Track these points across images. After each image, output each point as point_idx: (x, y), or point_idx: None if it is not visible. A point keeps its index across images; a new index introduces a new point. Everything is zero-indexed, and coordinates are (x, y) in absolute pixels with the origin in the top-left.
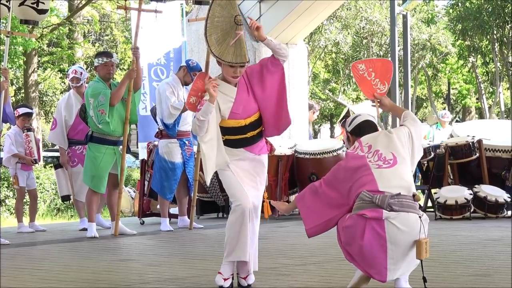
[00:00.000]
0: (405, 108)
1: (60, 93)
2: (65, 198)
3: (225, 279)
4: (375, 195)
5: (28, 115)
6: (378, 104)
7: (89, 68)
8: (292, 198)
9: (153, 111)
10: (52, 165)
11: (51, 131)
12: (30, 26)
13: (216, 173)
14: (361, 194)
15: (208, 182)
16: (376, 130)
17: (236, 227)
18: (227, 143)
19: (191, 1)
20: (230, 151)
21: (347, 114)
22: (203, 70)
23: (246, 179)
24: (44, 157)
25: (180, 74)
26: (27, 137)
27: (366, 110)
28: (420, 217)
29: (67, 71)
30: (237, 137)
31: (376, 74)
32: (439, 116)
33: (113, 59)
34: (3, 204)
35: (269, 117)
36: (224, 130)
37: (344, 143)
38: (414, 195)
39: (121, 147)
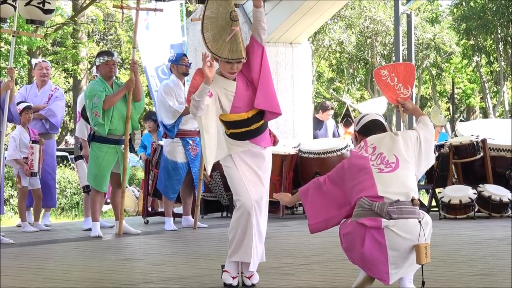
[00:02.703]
0: (424, 113)
1: (65, 92)
2: (87, 188)
3: (233, 277)
4: (374, 202)
5: (28, 108)
6: (402, 108)
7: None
8: None
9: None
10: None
11: (77, 123)
12: (35, 26)
13: (219, 172)
14: (360, 201)
15: (208, 172)
16: (384, 130)
17: (240, 227)
18: (232, 136)
19: (195, 0)
20: (235, 143)
21: (347, 112)
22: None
23: (251, 175)
24: None
25: (174, 72)
26: (31, 148)
27: (373, 108)
28: (419, 221)
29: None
30: (241, 130)
31: (399, 79)
32: None
33: (114, 58)
34: (8, 203)
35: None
36: (228, 124)
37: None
38: (412, 200)
39: (123, 146)
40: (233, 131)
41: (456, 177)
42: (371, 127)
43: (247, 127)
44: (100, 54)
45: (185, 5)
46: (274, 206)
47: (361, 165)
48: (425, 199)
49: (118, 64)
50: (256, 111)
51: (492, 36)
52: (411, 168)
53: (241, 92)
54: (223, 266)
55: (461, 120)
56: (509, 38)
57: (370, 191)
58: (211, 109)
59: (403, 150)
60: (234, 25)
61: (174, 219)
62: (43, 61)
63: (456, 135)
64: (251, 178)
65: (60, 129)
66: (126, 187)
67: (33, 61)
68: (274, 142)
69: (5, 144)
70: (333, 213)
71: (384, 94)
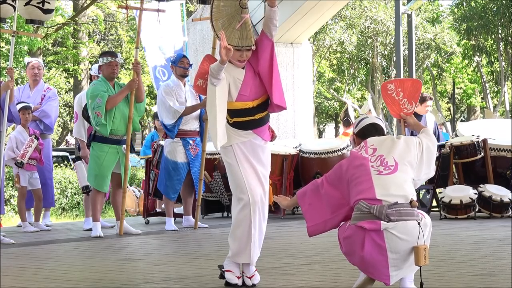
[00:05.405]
0: (425, 126)
1: (65, 93)
2: (86, 189)
3: (238, 277)
4: (373, 205)
5: (26, 108)
6: (405, 123)
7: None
8: None
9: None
10: (73, 157)
11: (74, 124)
12: (35, 26)
13: (220, 172)
14: (358, 204)
15: (218, 147)
16: (383, 133)
17: (244, 228)
18: (235, 125)
19: (196, 0)
20: (238, 132)
21: (347, 112)
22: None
23: (252, 171)
24: None
25: (174, 73)
26: (31, 141)
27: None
28: (419, 223)
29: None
30: (245, 119)
31: (405, 94)
32: None
33: (118, 59)
34: (8, 203)
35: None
36: (232, 113)
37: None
38: (411, 202)
39: (124, 146)
40: (237, 120)
41: (456, 177)
42: (371, 130)
43: (251, 116)
44: (103, 54)
45: (186, 5)
46: (274, 207)
47: (360, 165)
48: (426, 202)
49: (120, 64)
50: (261, 101)
51: (493, 36)
52: (410, 172)
53: (249, 80)
54: (220, 266)
55: (461, 120)
56: (509, 38)
57: (368, 194)
58: (224, 88)
59: (403, 153)
60: (244, 12)
61: (174, 219)
62: (35, 60)
63: (456, 135)
64: (252, 174)
65: (53, 129)
66: (127, 187)
67: (26, 60)
68: (272, 137)
69: (5, 144)
70: (331, 215)
71: (388, 107)
